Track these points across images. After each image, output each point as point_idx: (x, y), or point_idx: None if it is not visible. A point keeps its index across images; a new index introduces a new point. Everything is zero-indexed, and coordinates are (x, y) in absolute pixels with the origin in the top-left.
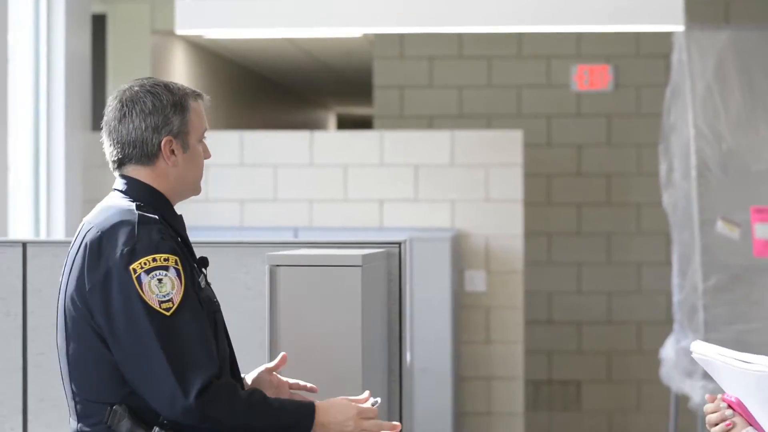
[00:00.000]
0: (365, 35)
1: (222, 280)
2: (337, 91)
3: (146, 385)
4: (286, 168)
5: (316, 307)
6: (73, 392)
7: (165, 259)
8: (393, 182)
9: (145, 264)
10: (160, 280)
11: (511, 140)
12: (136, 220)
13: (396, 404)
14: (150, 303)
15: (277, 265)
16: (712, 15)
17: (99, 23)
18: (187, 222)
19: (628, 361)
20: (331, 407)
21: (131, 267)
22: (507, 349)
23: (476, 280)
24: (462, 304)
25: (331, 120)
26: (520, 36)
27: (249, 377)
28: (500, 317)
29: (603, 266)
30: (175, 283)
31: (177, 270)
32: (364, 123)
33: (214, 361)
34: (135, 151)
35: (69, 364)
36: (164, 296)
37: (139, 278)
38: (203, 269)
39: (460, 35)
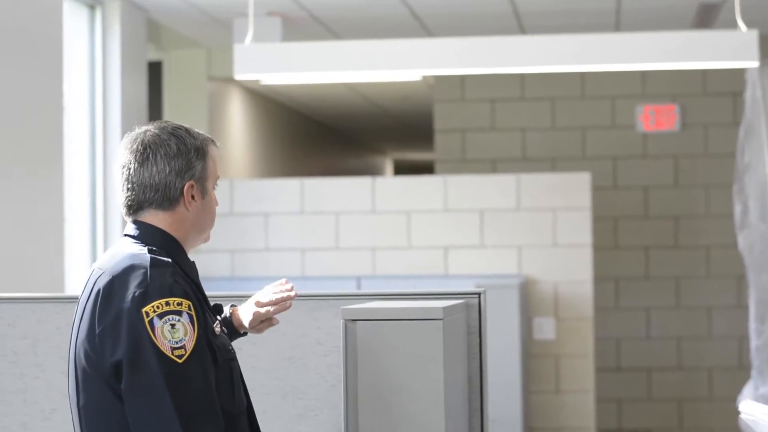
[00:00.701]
0: (425, 78)
1: (292, 335)
2: (394, 137)
3: None
4: (348, 215)
5: (395, 363)
6: None
7: (178, 304)
8: (457, 228)
9: (158, 308)
10: (173, 326)
11: (578, 183)
12: (149, 263)
13: None
14: (162, 349)
15: (353, 320)
16: None
17: (155, 70)
18: (247, 272)
19: (700, 408)
20: None
21: (144, 310)
22: (577, 399)
23: (545, 328)
24: (531, 353)
25: (388, 166)
26: (583, 76)
27: (245, 318)
28: (570, 366)
29: (672, 311)
30: (188, 329)
31: (190, 315)
32: (420, 168)
33: (219, 416)
34: (156, 196)
35: (80, 416)
36: (177, 342)
37: (151, 322)
38: (218, 316)
39: (521, 76)
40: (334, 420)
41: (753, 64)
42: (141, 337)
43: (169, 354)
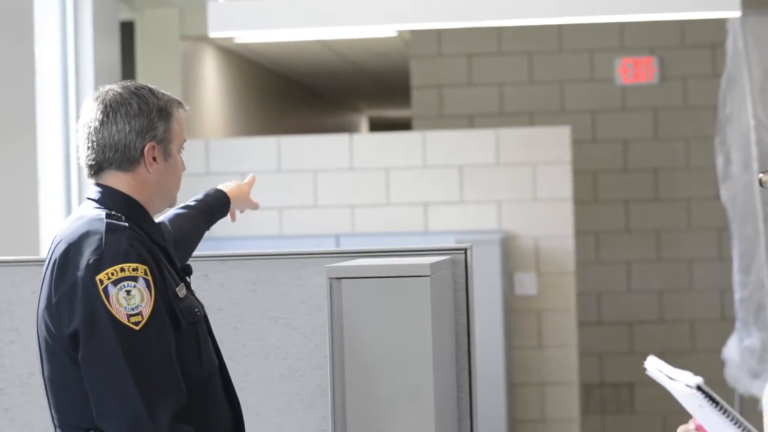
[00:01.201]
0: (400, 35)
1: (274, 295)
2: (370, 94)
3: (108, 405)
4: (326, 173)
5: (382, 321)
6: (52, 416)
7: (134, 269)
8: (436, 184)
9: (112, 274)
10: (128, 292)
11: (558, 137)
12: (104, 228)
13: (467, 422)
14: (117, 316)
15: (338, 278)
16: (761, 2)
17: (127, 30)
18: (224, 232)
19: (682, 360)
20: None
21: (98, 278)
22: (560, 353)
23: (527, 283)
24: (512, 309)
25: (364, 123)
26: (560, 29)
27: (225, 187)
28: (552, 320)
29: (653, 264)
30: (145, 294)
31: (147, 281)
32: (396, 126)
33: (180, 383)
34: (116, 156)
35: (46, 387)
36: (133, 309)
37: (106, 289)
38: (188, 277)
39: (498, 31)
40: (319, 380)
41: (734, 13)
42: (96, 306)
43: (125, 321)
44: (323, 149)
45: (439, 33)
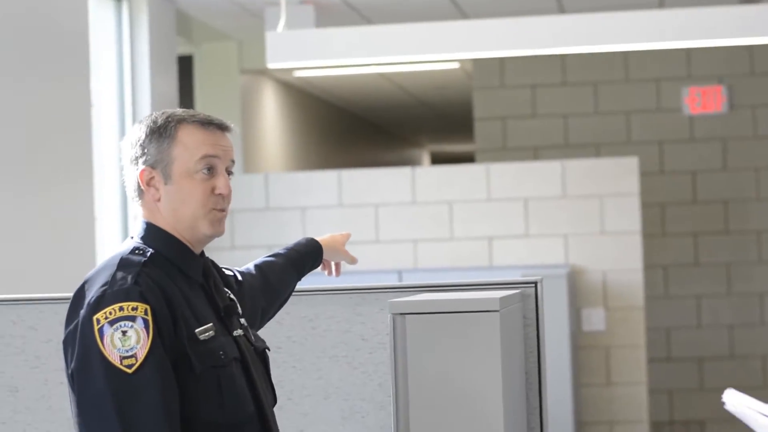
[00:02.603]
0: (462, 66)
1: (334, 332)
2: (431, 128)
3: None
4: (387, 207)
5: (449, 359)
6: None
7: (133, 308)
8: (501, 218)
9: (110, 314)
10: (124, 333)
11: (625, 168)
12: (117, 263)
13: None
14: (110, 358)
15: (402, 313)
16: None
17: (186, 65)
18: None
19: (754, 396)
20: None
21: (95, 317)
22: (629, 391)
23: (594, 319)
24: (580, 345)
25: (425, 158)
26: (626, 58)
27: (319, 238)
28: (621, 357)
29: (723, 298)
30: (142, 335)
31: (146, 321)
32: (458, 160)
33: (175, 430)
34: (130, 186)
35: (74, 428)
36: (127, 351)
37: (101, 330)
38: (238, 318)
39: (562, 60)
40: (382, 422)
41: None
42: (90, 347)
43: (117, 364)
44: (385, 183)
45: (501, 64)
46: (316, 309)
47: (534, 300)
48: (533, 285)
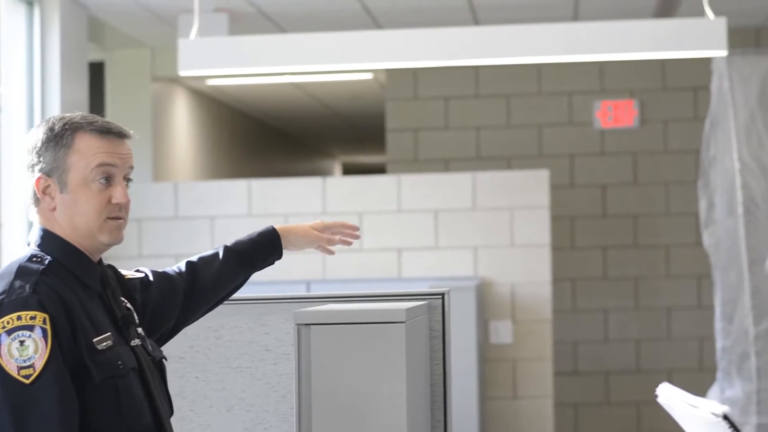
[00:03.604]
0: (376, 77)
1: (238, 342)
2: (344, 139)
3: None
4: (298, 217)
5: (353, 371)
6: None
7: (32, 317)
8: (411, 229)
9: (8, 323)
10: (22, 342)
11: (536, 181)
12: (15, 271)
13: None
14: (7, 369)
15: (307, 324)
16: (742, 43)
17: (97, 71)
18: None
19: (659, 412)
20: None
21: None
22: (535, 404)
23: (502, 331)
24: (487, 358)
25: (337, 169)
26: (539, 72)
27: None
28: (528, 370)
29: (631, 312)
30: (40, 345)
31: (44, 330)
32: (370, 172)
33: None
34: (27, 194)
35: None
36: (25, 361)
37: None
38: (135, 327)
39: (476, 73)
40: None
41: (721, 53)
42: None
43: (14, 375)
44: (295, 193)
45: (415, 75)
46: (220, 319)
47: (441, 312)
48: (440, 297)
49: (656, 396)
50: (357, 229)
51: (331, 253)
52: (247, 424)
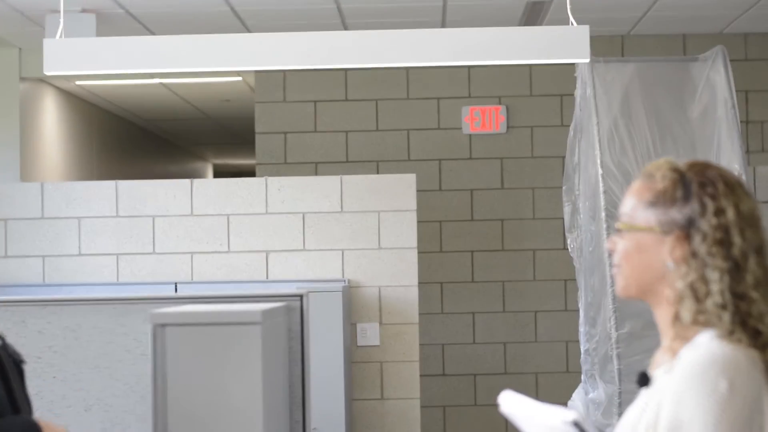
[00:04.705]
0: (245, 80)
1: (97, 343)
2: (215, 142)
3: None
4: (165, 219)
5: (209, 372)
6: None
7: None
8: (279, 232)
9: None
10: None
11: (404, 185)
12: None
13: None
14: None
15: (163, 325)
16: (607, 51)
17: None
18: (60, 279)
19: None
20: None
21: None
22: (402, 406)
23: (369, 334)
24: (355, 360)
25: (209, 172)
26: (408, 76)
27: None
28: (395, 372)
29: (498, 315)
30: None
31: None
32: (242, 174)
33: None
34: None
35: None
36: None
37: None
38: None
39: (345, 77)
40: None
41: (584, 59)
42: None
43: None
44: (163, 194)
45: (284, 78)
46: (78, 319)
47: (299, 313)
48: (299, 298)
49: (498, 405)
50: None
51: None
52: (105, 424)
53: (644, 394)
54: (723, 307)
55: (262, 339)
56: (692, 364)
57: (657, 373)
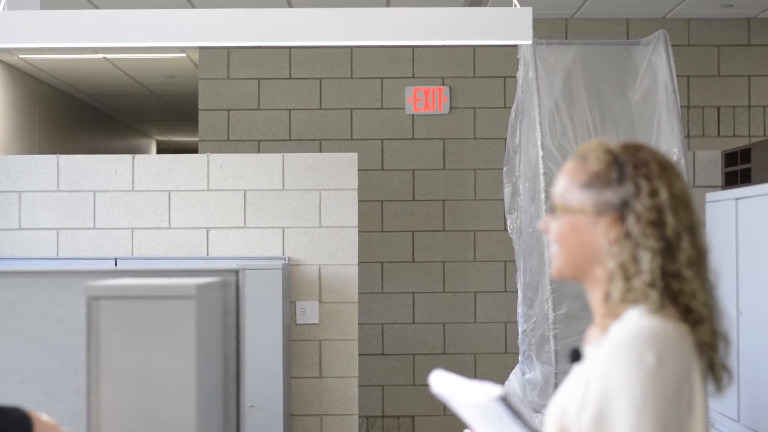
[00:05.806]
0: (189, 56)
1: (32, 315)
2: (159, 118)
3: None
4: (106, 194)
5: (143, 346)
6: None
7: None
8: (220, 209)
9: None
10: None
11: (345, 164)
12: None
13: None
14: None
15: (97, 298)
16: (551, 34)
17: None
18: (0, 253)
19: None
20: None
21: None
22: (341, 384)
23: (309, 312)
24: (294, 338)
25: (152, 149)
26: (352, 56)
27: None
28: (334, 350)
29: (438, 295)
30: None
31: None
32: (185, 151)
33: None
34: None
35: None
36: None
37: None
38: None
39: (289, 55)
40: (77, 408)
41: (526, 41)
42: None
43: None
44: (104, 170)
45: (228, 55)
46: (13, 291)
47: (235, 288)
48: (234, 273)
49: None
50: None
51: None
52: (40, 397)
53: (576, 370)
54: (651, 285)
55: (197, 313)
56: (620, 338)
57: (588, 350)
